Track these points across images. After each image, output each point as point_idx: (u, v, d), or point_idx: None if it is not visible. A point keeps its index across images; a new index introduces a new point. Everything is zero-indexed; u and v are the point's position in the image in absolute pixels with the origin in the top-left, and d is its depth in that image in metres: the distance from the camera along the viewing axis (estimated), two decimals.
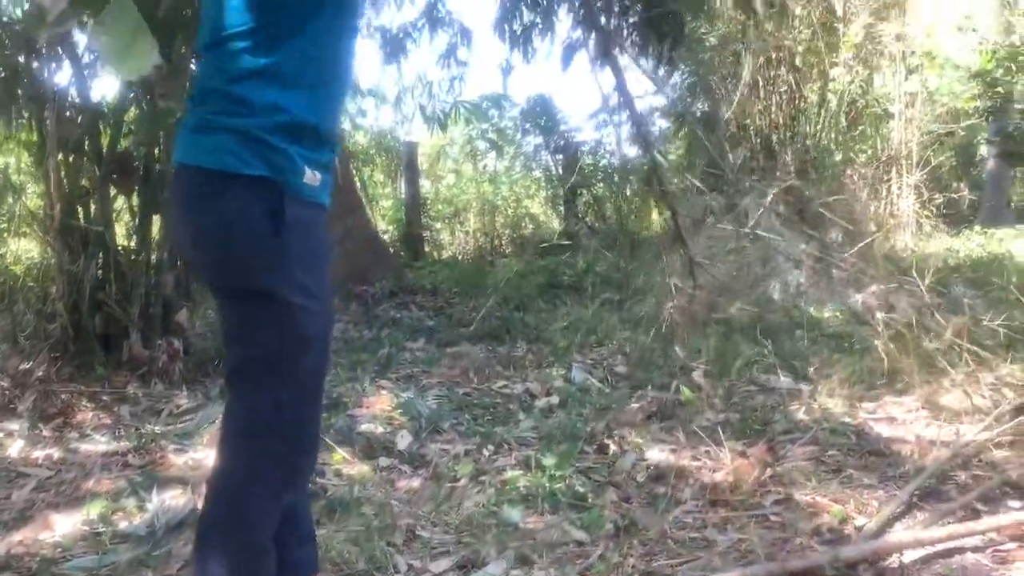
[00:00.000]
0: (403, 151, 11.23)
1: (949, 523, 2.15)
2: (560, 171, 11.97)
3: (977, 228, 10.13)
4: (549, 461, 2.81)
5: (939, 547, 2.04)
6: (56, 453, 3.42)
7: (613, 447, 3.06)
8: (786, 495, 2.51)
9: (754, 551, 2.16)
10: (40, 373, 4.28)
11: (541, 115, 12.05)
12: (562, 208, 11.75)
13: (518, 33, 7.26)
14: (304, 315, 1.46)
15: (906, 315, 4.67)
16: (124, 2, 1.61)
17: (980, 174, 14.71)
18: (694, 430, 3.22)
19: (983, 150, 14.01)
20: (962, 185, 13.81)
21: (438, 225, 11.94)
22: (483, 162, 12.55)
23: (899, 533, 2.13)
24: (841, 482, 2.67)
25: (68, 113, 4.80)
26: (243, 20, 1.44)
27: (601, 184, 12.08)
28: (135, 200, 4.94)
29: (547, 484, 2.63)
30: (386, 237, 11.07)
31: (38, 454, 3.40)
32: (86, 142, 4.79)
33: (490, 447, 3.22)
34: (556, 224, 11.91)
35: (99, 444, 3.54)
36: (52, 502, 2.85)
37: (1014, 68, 9.52)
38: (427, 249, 10.82)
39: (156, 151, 4.85)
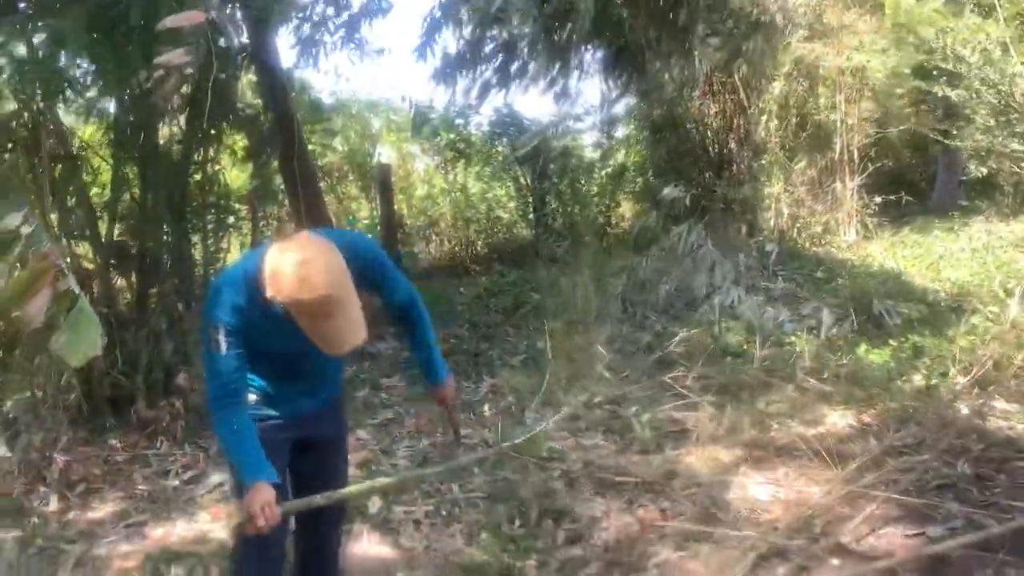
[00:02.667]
0: (377, 173, 11.83)
1: None
2: (528, 179, 12.58)
3: (919, 222, 10.84)
4: (484, 535, 3.54)
5: None
6: (86, 526, 4.11)
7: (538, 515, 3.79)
8: (664, 559, 3.24)
9: None
10: (63, 442, 4.93)
11: (508, 125, 12.62)
12: (532, 216, 12.38)
13: (439, 65, 7.62)
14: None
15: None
16: (83, 305, 2.42)
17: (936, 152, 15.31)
18: (611, 488, 3.95)
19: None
20: (915, 164, 14.50)
21: (414, 237, 12.59)
22: (452, 173, 13.15)
23: None
24: (713, 542, 3.41)
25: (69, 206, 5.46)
26: None
27: (568, 188, 12.67)
28: (133, 280, 5.61)
29: (482, 555, 3.36)
30: None
31: (71, 530, 4.08)
32: (87, 232, 5.47)
33: (443, 512, 3.94)
34: (526, 231, 12.57)
35: (119, 513, 4.23)
36: None
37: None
38: (404, 265, 11.47)
39: (147, 239, 5.51)
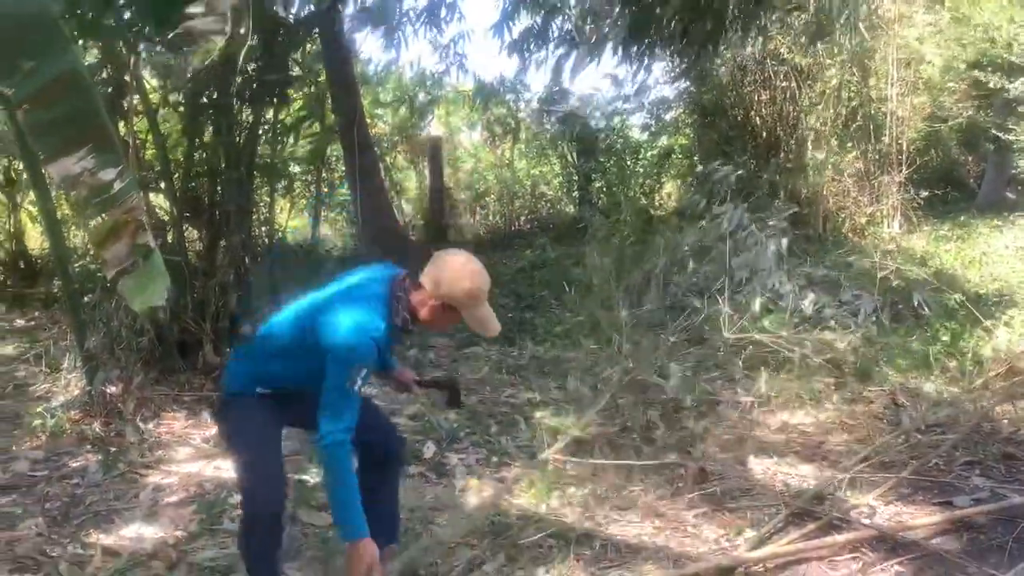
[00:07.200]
0: (428, 147, 12.08)
1: (805, 539, 3.12)
2: (575, 157, 12.77)
3: (963, 219, 10.87)
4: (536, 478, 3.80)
5: (792, 557, 3.01)
6: (161, 454, 4.45)
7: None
8: (703, 512, 3.48)
9: (671, 555, 3.14)
10: (137, 381, 5.26)
11: (558, 103, 12.80)
12: (576, 195, 12.58)
13: (516, 38, 7.92)
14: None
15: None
16: (157, 258, 2.67)
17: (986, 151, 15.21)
18: (654, 450, 4.19)
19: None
20: (968, 161, 14.39)
21: (459, 209, 12.85)
22: (500, 148, 13.35)
23: (767, 548, 3.08)
24: (752, 497, 3.64)
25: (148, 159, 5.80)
26: None
27: (614, 168, 12.83)
28: (204, 233, 5.93)
29: (532, 500, 3.62)
30: (411, 221, 12.07)
31: (148, 457, 4.43)
32: (162, 184, 5.80)
33: (495, 459, 4.22)
34: (570, 208, 12.77)
35: (192, 447, 4.57)
36: (170, 501, 3.87)
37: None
38: (449, 235, 11.74)
39: (219, 194, 5.83)
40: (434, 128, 13.34)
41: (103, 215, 3.46)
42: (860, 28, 9.51)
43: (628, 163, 12.97)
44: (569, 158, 12.75)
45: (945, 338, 5.62)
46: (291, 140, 7.79)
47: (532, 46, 7.62)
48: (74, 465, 4.25)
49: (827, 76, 10.34)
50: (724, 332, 5.97)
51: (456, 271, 2.50)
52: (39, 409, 4.96)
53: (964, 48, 10.13)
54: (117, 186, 3.45)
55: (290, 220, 9.24)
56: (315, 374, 2.43)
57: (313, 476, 4.04)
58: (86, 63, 5.46)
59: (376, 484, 2.91)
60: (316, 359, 2.44)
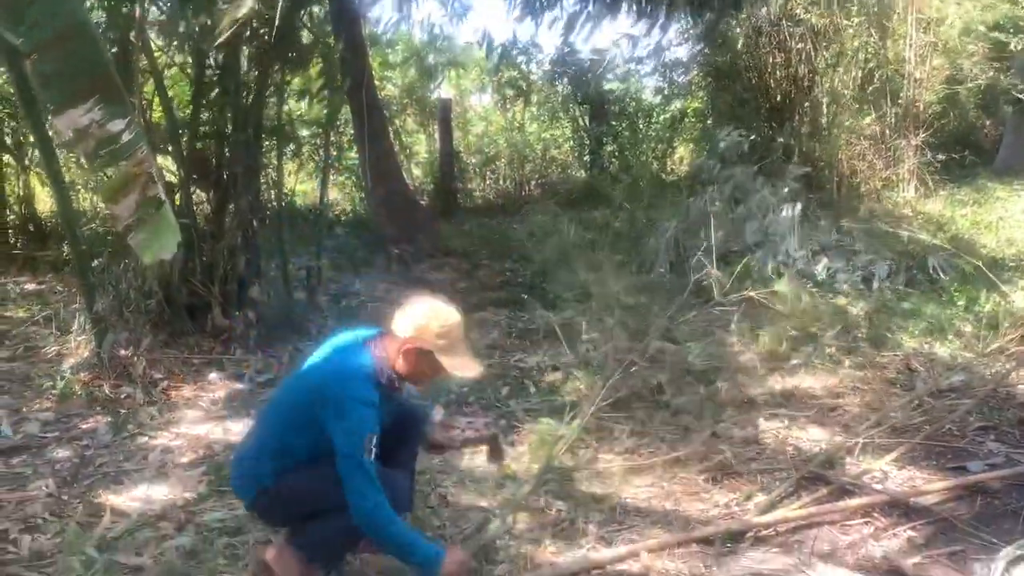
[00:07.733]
0: (438, 108, 11.94)
1: (816, 504, 3.09)
2: (586, 121, 12.61)
3: (980, 183, 10.71)
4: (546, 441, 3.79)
5: (802, 521, 2.99)
6: (171, 416, 4.46)
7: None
8: (713, 476, 3.46)
9: (680, 519, 3.12)
10: (145, 343, 5.25)
11: (570, 65, 12.61)
12: (587, 158, 12.44)
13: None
14: None
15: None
16: (167, 210, 2.61)
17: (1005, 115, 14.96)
18: (662, 414, 4.17)
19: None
20: (986, 124, 14.16)
21: (470, 173, 12.73)
22: (511, 111, 13.19)
23: (777, 512, 3.05)
24: (762, 462, 3.61)
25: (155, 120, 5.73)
26: None
27: (626, 131, 12.67)
28: (212, 194, 5.88)
29: (536, 465, 3.61)
30: (421, 185, 11.98)
31: (157, 419, 4.43)
32: (170, 147, 5.74)
33: (503, 422, 4.20)
34: (581, 172, 12.64)
35: (201, 409, 4.57)
36: (179, 463, 3.88)
37: None
38: (459, 200, 11.65)
39: (227, 156, 5.76)
40: (444, 91, 13.19)
41: (112, 168, 3.43)
42: None
43: (640, 127, 12.81)
44: (580, 121, 12.60)
45: (960, 303, 5.55)
46: (306, 104, 7.70)
47: (545, 3, 7.47)
48: (84, 426, 4.27)
49: (844, 37, 10.13)
50: (734, 296, 5.94)
51: (423, 312, 2.53)
52: (50, 371, 4.99)
53: (984, 10, 9.90)
54: (126, 137, 3.40)
55: (298, 183, 9.19)
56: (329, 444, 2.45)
57: None
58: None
59: (395, 454, 2.89)
60: (324, 435, 2.46)
